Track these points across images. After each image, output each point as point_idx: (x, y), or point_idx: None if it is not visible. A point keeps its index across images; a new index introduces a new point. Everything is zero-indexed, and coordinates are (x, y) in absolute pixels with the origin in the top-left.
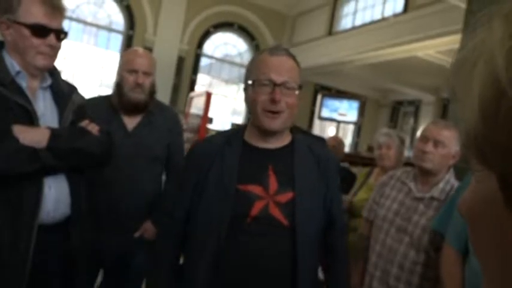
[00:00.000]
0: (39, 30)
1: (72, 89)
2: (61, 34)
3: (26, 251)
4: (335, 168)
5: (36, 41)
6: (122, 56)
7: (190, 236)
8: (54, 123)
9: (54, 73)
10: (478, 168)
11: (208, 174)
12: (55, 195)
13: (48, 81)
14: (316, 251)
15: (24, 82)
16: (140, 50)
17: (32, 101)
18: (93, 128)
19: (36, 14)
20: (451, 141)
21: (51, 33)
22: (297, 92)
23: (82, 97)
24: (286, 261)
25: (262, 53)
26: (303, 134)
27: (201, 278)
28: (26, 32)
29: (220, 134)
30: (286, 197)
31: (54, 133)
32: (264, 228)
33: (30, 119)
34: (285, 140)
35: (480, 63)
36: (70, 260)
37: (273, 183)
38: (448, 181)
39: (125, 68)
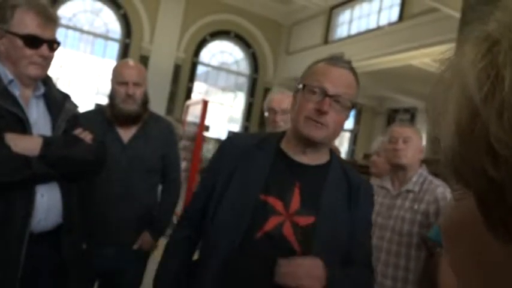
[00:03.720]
0: (32, 41)
1: (65, 97)
2: (54, 44)
3: (16, 259)
4: (369, 198)
5: (28, 51)
6: (112, 69)
7: (204, 240)
8: (47, 131)
9: (47, 81)
10: (457, 187)
11: (231, 178)
12: (47, 204)
13: (42, 90)
14: None
15: (17, 90)
16: (130, 61)
17: (25, 109)
18: (86, 136)
19: (29, 25)
20: (416, 136)
21: (44, 44)
22: (347, 113)
23: (75, 105)
24: None
25: (322, 61)
26: None
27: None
28: (19, 42)
29: (254, 135)
30: (306, 220)
31: (46, 141)
32: (272, 247)
33: (23, 127)
34: (322, 158)
35: (454, 85)
36: (61, 268)
37: (295, 201)
38: (421, 174)
39: (115, 81)
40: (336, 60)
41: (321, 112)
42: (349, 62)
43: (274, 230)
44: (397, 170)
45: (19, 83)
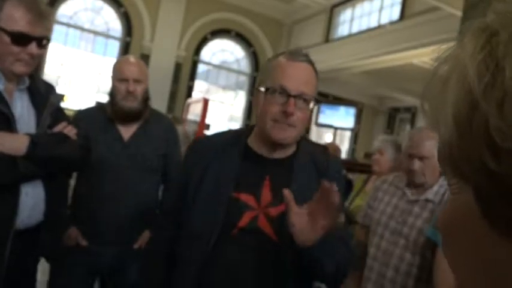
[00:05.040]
0: (20, 39)
1: (49, 89)
2: (43, 41)
3: (0, 258)
4: (337, 176)
5: (15, 48)
6: (113, 66)
7: (179, 242)
8: (31, 125)
9: (32, 74)
10: (454, 181)
11: (204, 176)
12: (32, 203)
13: (26, 83)
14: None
15: (1, 84)
16: (130, 58)
17: (9, 104)
18: (71, 131)
19: (18, 21)
20: (434, 149)
21: (33, 42)
22: (311, 105)
23: (59, 97)
24: (270, 279)
25: (280, 56)
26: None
27: None
28: (6, 38)
29: (222, 133)
30: (278, 210)
31: (33, 140)
32: (250, 241)
33: (8, 122)
34: (289, 150)
35: (453, 78)
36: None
37: (266, 194)
38: (442, 184)
39: (116, 78)
40: (294, 54)
41: (287, 114)
42: (306, 55)
43: (250, 225)
44: (415, 185)
45: (3, 76)
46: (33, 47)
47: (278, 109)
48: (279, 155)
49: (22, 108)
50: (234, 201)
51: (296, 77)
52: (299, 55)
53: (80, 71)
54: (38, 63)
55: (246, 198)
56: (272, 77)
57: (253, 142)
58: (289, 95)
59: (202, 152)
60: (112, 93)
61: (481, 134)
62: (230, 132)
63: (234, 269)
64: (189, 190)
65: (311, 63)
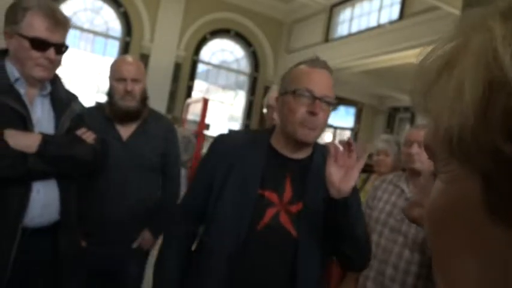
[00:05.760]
0: (39, 44)
1: (72, 97)
2: (62, 47)
3: (7, 254)
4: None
5: (35, 53)
6: (110, 66)
7: (205, 240)
8: (50, 129)
9: (55, 81)
10: (447, 169)
11: (228, 176)
12: (43, 200)
13: (48, 89)
14: (320, 263)
15: (22, 89)
16: (128, 57)
17: (29, 108)
18: (89, 137)
19: (37, 28)
20: None
21: (51, 47)
22: (331, 109)
23: (82, 105)
24: (287, 273)
25: (301, 64)
26: None
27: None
28: (26, 44)
29: (245, 133)
30: (297, 207)
31: (45, 139)
32: (272, 237)
33: (25, 124)
34: (308, 151)
35: (465, 62)
36: (56, 265)
37: (288, 191)
38: None
39: (114, 77)
40: (315, 62)
41: (313, 114)
42: (325, 63)
43: (273, 221)
44: (413, 174)
45: (25, 81)
46: (51, 53)
47: (304, 110)
48: (299, 155)
49: (43, 112)
50: (260, 198)
51: (320, 82)
52: (319, 63)
53: (80, 71)
54: (56, 69)
55: (269, 195)
56: (297, 82)
57: (275, 142)
58: (315, 97)
59: (225, 151)
60: (110, 93)
61: (499, 117)
62: (252, 132)
63: (261, 264)
64: (215, 187)
65: (330, 70)
